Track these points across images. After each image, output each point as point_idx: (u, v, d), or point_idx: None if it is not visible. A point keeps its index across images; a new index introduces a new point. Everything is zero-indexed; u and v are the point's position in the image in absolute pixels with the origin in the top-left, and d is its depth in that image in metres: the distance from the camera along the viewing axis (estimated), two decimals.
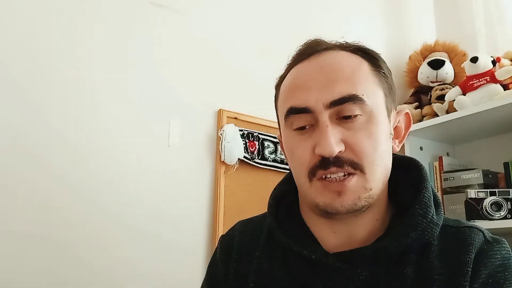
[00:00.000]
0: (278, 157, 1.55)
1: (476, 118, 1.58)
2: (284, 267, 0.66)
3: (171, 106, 1.39)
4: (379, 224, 0.64)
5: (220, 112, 1.48)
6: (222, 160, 1.43)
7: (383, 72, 0.65)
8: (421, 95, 1.87)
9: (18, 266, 1.07)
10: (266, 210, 0.72)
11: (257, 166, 1.50)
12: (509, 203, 1.41)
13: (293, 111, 0.62)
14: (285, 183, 0.74)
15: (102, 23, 1.31)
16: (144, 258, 1.25)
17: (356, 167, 0.59)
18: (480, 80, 1.58)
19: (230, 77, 1.54)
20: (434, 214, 0.62)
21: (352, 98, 0.59)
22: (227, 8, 1.59)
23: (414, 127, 1.72)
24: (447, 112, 1.68)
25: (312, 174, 0.60)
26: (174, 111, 1.40)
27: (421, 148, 1.78)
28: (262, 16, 1.67)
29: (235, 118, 1.50)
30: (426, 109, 1.80)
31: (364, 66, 0.63)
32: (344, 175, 0.59)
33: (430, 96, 1.82)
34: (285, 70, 0.68)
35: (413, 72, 1.92)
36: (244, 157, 1.47)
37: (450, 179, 1.67)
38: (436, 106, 1.73)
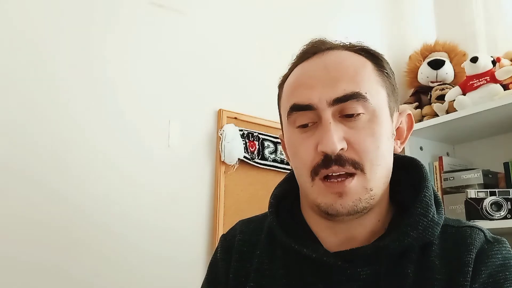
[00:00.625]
0: (278, 157, 1.55)
1: (476, 118, 1.58)
2: (285, 266, 0.66)
3: (171, 106, 1.39)
4: (380, 224, 0.64)
5: (220, 112, 1.48)
6: (222, 160, 1.43)
7: (386, 73, 0.65)
8: (421, 95, 1.87)
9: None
10: (267, 210, 0.72)
11: (257, 166, 1.50)
12: (509, 203, 1.41)
13: (296, 108, 0.62)
14: (286, 182, 0.74)
15: (101, 23, 1.31)
16: (143, 258, 1.25)
17: (357, 167, 0.59)
18: (480, 80, 1.58)
19: (230, 77, 1.54)
20: (435, 213, 0.62)
21: (355, 96, 0.59)
22: (227, 8, 1.59)
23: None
24: (447, 112, 1.68)
25: (314, 173, 0.60)
26: (174, 111, 1.40)
27: (421, 148, 1.78)
28: (262, 16, 1.67)
29: (235, 118, 1.50)
30: (426, 109, 1.80)
31: (367, 66, 0.63)
32: (345, 175, 0.59)
33: (430, 96, 1.82)
34: (289, 69, 0.69)
35: (413, 72, 1.92)
36: (244, 157, 1.47)
37: (450, 179, 1.67)
38: (436, 106, 1.72)
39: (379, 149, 0.60)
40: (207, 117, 1.47)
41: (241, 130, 1.49)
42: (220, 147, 1.43)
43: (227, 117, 1.49)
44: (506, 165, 1.57)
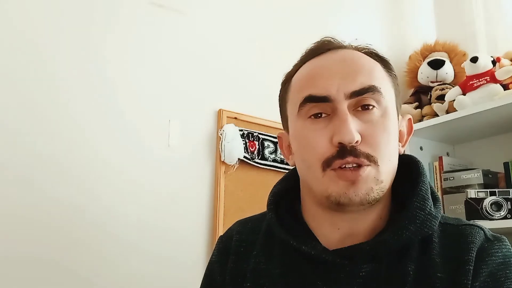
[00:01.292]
0: (278, 157, 1.55)
1: (476, 118, 1.58)
2: (283, 265, 0.66)
3: (171, 106, 1.39)
4: (382, 222, 0.64)
5: (220, 112, 1.48)
6: (222, 160, 1.43)
7: (394, 75, 0.67)
8: (421, 95, 1.87)
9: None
10: (266, 210, 0.72)
11: (257, 166, 1.50)
12: (509, 203, 1.41)
13: (311, 99, 0.62)
14: (285, 180, 0.74)
15: (101, 23, 1.31)
16: (143, 257, 1.25)
17: (371, 160, 0.59)
18: (480, 80, 1.57)
19: (230, 77, 1.54)
20: (432, 207, 0.62)
21: (372, 89, 0.60)
22: (227, 8, 1.59)
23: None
24: (447, 112, 1.68)
25: (327, 164, 0.60)
26: (174, 111, 1.40)
27: (421, 148, 1.78)
28: (262, 16, 1.67)
29: (235, 118, 1.50)
30: (426, 109, 1.80)
31: (378, 66, 0.65)
32: (358, 166, 0.59)
33: (430, 96, 1.82)
34: (298, 63, 0.69)
35: (413, 72, 1.92)
36: (244, 157, 1.47)
37: (450, 179, 1.67)
38: (436, 106, 1.72)
39: (390, 145, 0.61)
40: (207, 117, 1.47)
41: (241, 130, 1.49)
42: (220, 147, 1.43)
43: (227, 117, 1.49)
44: (506, 165, 1.57)
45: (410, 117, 0.71)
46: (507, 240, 0.62)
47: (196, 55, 1.48)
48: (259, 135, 1.53)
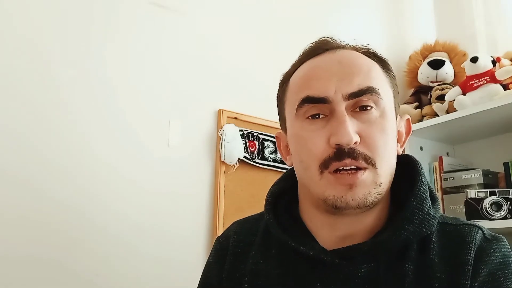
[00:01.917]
0: (278, 157, 1.55)
1: (476, 118, 1.58)
2: (280, 265, 0.65)
3: (171, 106, 1.39)
4: (381, 223, 0.64)
5: (220, 112, 1.48)
6: (222, 160, 1.43)
7: (392, 75, 0.67)
8: (421, 95, 1.87)
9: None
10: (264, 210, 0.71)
11: (257, 166, 1.50)
12: (509, 203, 1.41)
13: (309, 100, 0.62)
14: (283, 180, 0.73)
15: (101, 23, 1.31)
16: (143, 257, 1.25)
17: (369, 162, 0.59)
18: (480, 80, 1.58)
19: (230, 77, 1.54)
20: (430, 207, 0.62)
21: (370, 90, 0.60)
22: (227, 8, 1.59)
23: (414, 127, 1.71)
24: (447, 112, 1.68)
25: (324, 166, 0.60)
26: (174, 111, 1.40)
27: (421, 148, 1.78)
28: (262, 16, 1.67)
29: (235, 118, 1.50)
30: (426, 109, 1.80)
31: (376, 66, 0.65)
32: (356, 169, 0.59)
33: (430, 96, 1.82)
34: (293, 66, 0.69)
35: (413, 72, 1.92)
36: (244, 157, 1.47)
37: (450, 179, 1.67)
38: (436, 106, 1.72)
39: (388, 146, 0.61)
40: (207, 117, 1.47)
41: (241, 130, 1.49)
42: (220, 147, 1.43)
43: (227, 117, 1.49)
44: (506, 165, 1.57)
45: (409, 117, 0.71)
46: (505, 240, 0.62)
47: (196, 55, 1.48)
48: (259, 135, 1.53)
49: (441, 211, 0.65)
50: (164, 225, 1.31)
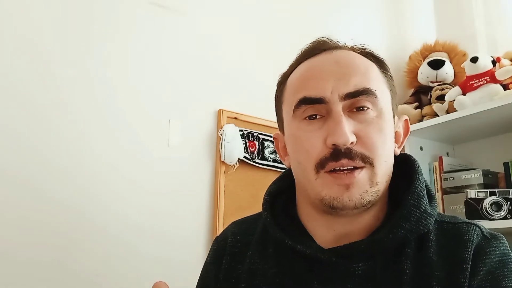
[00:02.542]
0: (278, 157, 1.55)
1: (476, 118, 1.58)
2: (277, 264, 0.65)
3: (171, 106, 1.39)
4: (378, 222, 0.64)
5: (220, 112, 1.48)
6: (222, 160, 1.43)
7: (390, 75, 0.67)
8: (421, 95, 1.87)
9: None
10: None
11: (257, 166, 1.50)
12: (509, 203, 1.41)
13: (306, 101, 0.62)
14: (281, 180, 0.73)
15: (102, 23, 1.31)
16: (143, 258, 1.25)
17: (366, 161, 0.59)
18: (480, 80, 1.58)
19: (230, 77, 1.54)
20: (427, 204, 0.62)
21: (367, 92, 0.60)
22: (227, 8, 1.59)
23: (414, 127, 1.72)
24: (447, 112, 1.68)
25: (320, 166, 0.60)
26: (174, 111, 1.40)
27: (421, 148, 1.78)
28: (263, 16, 1.67)
29: (235, 118, 1.50)
30: (426, 109, 1.80)
31: (374, 67, 0.65)
32: (353, 168, 0.59)
33: (430, 96, 1.82)
34: (291, 66, 0.69)
35: (413, 72, 1.92)
36: (244, 157, 1.47)
37: (450, 179, 1.67)
38: (436, 106, 1.72)
39: (386, 145, 0.61)
40: (207, 117, 1.47)
41: (241, 130, 1.49)
42: (220, 147, 1.43)
43: (227, 117, 1.49)
44: (506, 165, 1.57)
45: (407, 118, 0.71)
46: (504, 238, 0.62)
47: (196, 55, 1.48)
48: (259, 135, 1.53)
49: (438, 209, 0.65)
50: (164, 225, 1.31)
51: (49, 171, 1.16)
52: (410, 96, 1.93)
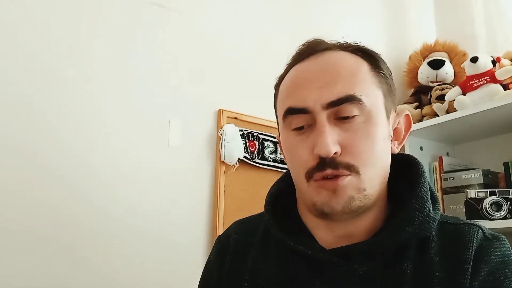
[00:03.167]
0: (278, 157, 1.55)
1: (476, 118, 1.58)
2: (280, 265, 0.66)
3: (171, 106, 1.39)
4: (379, 223, 0.64)
5: (220, 112, 1.48)
6: (222, 160, 1.43)
7: (383, 73, 0.65)
8: (421, 95, 1.87)
9: (17, 268, 1.07)
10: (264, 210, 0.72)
11: (257, 166, 1.50)
12: (509, 203, 1.41)
13: (291, 111, 0.62)
14: (283, 180, 0.74)
15: (102, 23, 1.31)
16: (144, 258, 1.25)
17: (351, 169, 0.59)
18: (480, 80, 1.57)
19: (230, 77, 1.54)
20: (431, 208, 0.62)
21: (350, 99, 0.59)
22: (227, 8, 1.59)
23: (414, 127, 1.70)
24: (447, 112, 1.68)
25: (309, 175, 0.61)
26: (174, 111, 1.40)
27: (421, 148, 1.78)
28: (263, 16, 1.67)
29: (235, 118, 1.50)
30: (426, 109, 1.80)
31: (363, 67, 0.63)
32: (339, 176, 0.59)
33: (430, 96, 1.82)
34: (285, 70, 0.69)
35: (413, 72, 1.92)
36: (244, 157, 1.47)
37: (450, 179, 1.67)
38: (436, 106, 1.72)
39: (374, 151, 0.60)
40: (207, 117, 1.47)
41: (241, 130, 1.49)
42: (220, 147, 1.43)
43: (227, 117, 1.49)
44: (506, 165, 1.57)
45: (408, 113, 0.69)
46: (505, 239, 0.62)
47: (196, 55, 1.48)
48: (259, 135, 1.53)
49: (441, 212, 0.65)
50: (165, 225, 1.31)
51: (48, 171, 1.15)
52: (410, 96, 1.93)
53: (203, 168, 1.42)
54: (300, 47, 0.67)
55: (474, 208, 1.43)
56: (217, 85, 1.50)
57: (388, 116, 0.64)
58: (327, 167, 0.58)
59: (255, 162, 1.49)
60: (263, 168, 1.51)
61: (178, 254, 1.31)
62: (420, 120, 1.78)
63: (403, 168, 0.67)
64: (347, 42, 0.66)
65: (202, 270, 0.78)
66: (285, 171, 0.75)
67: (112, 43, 1.32)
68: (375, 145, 0.60)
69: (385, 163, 0.63)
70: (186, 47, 1.46)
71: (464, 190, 1.51)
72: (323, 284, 0.61)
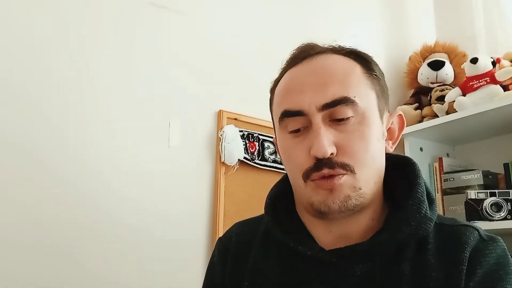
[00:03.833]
0: (278, 158, 1.55)
1: (476, 119, 1.58)
2: (280, 265, 0.67)
3: (171, 106, 1.39)
4: (375, 222, 0.65)
5: (220, 113, 1.48)
6: (222, 161, 1.43)
7: (375, 75, 0.66)
8: (421, 96, 1.87)
9: (17, 268, 1.07)
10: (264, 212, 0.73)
11: (257, 167, 1.50)
12: (509, 204, 1.41)
13: (287, 114, 0.64)
14: (282, 183, 0.75)
15: (103, 24, 1.31)
16: (144, 258, 1.25)
17: (347, 169, 0.60)
18: (480, 81, 1.58)
19: (230, 78, 1.54)
20: (428, 209, 0.63)
21: (344, 101, 0.61)
22: (227, 9, 1.59)
23: (414, 128, 1.73)
24: (447, 113, 1.68)
25: (306, 176, 0.62)
26: (174, 112, 1.40)
27: (421, 149, 1.78)
28: (263, 17, 1.67)
29: (235, 119, 1.50)
30: (426, 110, 1.81)
31: (356, 69, 0.64)
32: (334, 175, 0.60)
33: (430, 97, 1.82)
34: (279, 74, 0.70)
35: (413, 73, 1.92)
36: (244, 158, 1.47)
37: (450, 180, 1.67)
38: (436, 107, 1.73)
39: (368, 151, 0.62)
40: (207, 118, 1.47)
41: (241, 131, 1.49)
42: (220, 148, 1.44)
43: (227, 118, 1.49)
44: (506, 166, 1.57)
45: (401, 113, 0.71)
46: (501, 240, 0.63)
47: (196, 56, 1.48)
48: (259, 136, 1.53)
49: (438, 210, 0.66)
50: (164, 226, 1.31)
51: (49, 173, 1.16)
52: (410, 97, 1.93)
53: (203, 169, 1.43)
54: (294, 51, 0.68)
55: (474, 209, 1.43)
56: (217, 86, 1.51)
57: (381, 117, 0.65)
58: (324, 167, 0.60)
59: (255, 163, 1.49)
60: (263, 169, 1.51)
61: (178, 255, 1.31)
62: (420, 121, 1.78)
63: (400, 169, 0.68)
64: (339, 45, 0.67)
65: (205, 272, 0.79)
66: (284, 172, 0.75)
67: (113, 44, 1.32)
68: (370, 145, 0.62)
69: (380, 163, 0.64)
70: (186, 48, 1.46)
71: (464, 191, 1.51)
72: (323, 284, 0.62)
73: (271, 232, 0.69)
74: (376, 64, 0.68)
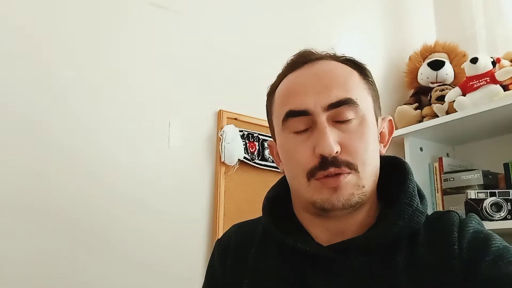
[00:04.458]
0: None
1: (476, 119, 1.58)
2: (279, 264, 0.69)
3: (171, 107, 1.39)
4: (370, 218, 0.68)
5: (220, 113, 1.48)
6: (222, 160, 1.43)
7: (371, 81, 0.70)
8: (421, 96, 1.87)
9: (17, 269, 1.07)
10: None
11: (257, 167, 1.50)
12: (509, 204, 1.41)
13: (292, 114, 0.66)
14: (278, 186, 0.78)
15: (102, 24, 1.31)
16: (143, 258, 1.25)
17: (352, 167, 0.63)
18: (480, 81, 1.58)
19: (230, 78, 1.54)
20: (419, 203, 0.66)
21: (348, 102, 0.64)
22: (227, 9, 1.59)
23: (414, 127, 1.73)
24: (447, 113, 1.68)
25: (311, 175, 0.64)
26: (174, 112, 1.40)
27: (421, 149, 1.78)
28: (263, 17, 1.67)
29: (235, 119, 1.50)
30: (426, 110, 1.80)
31: (354, 74, 0.68)
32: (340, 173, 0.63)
33: (430, 97, 1.82)
34: (278, 78, 0.73)
35: (413, 73, 1.92)
36: (244, 157, 1.47)
37: (450, 180, 1.67)
38: (436, 107, 1.73)
39: (368, 150, 0.65)
40: (207, 118, 1.47)
41: (241, 131, 1.49)
42: (220, 147, 1.44)
43: (227, 118, 1.49)
44: (506, 166, 1.57)
45: (391, 118, 0.75)
46: (476, 217, 0.67)
47: (196, 56, 1.48)
48: (259, 136, 1.53)
49: (438, 209, 0.67)
50: (164, 225, 1.31)
51: (48, 174, 1.16)
52: (410, 97, 1.93)
53: (203, 169, 1.43)
54: (293, 57, 0.71)
55: (474, 209, 1.43)
56: (217, 86, 1.51)
57: (376, 120, 0.69)
58: (330, 166, 0.62)
59: (255, 163, 1.49)
60: (263, 169, 1.51)
61: (178, 254, 1.31)
62: (420, 121, 1.78)
63: (390, 168, 0.71)
64: (336, 53, 0.71)
65: (205, 273, 0.80)
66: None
67: (112, 44, 1.32)
68: (369, 145, 0.65)
69: (377, 162, 0.68)
70: (186, 48, 1.46)
71: (464, 191, 1.51)
72: (322, 279, 0.64)
73: (270, 232, 0.72)
74: (370, 72, 0.71)
